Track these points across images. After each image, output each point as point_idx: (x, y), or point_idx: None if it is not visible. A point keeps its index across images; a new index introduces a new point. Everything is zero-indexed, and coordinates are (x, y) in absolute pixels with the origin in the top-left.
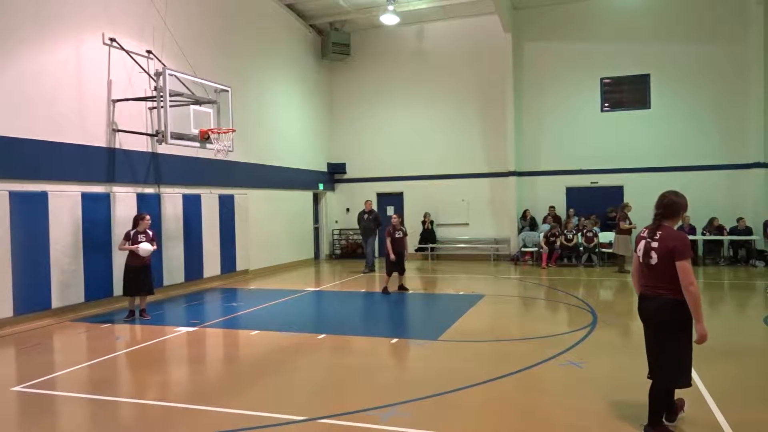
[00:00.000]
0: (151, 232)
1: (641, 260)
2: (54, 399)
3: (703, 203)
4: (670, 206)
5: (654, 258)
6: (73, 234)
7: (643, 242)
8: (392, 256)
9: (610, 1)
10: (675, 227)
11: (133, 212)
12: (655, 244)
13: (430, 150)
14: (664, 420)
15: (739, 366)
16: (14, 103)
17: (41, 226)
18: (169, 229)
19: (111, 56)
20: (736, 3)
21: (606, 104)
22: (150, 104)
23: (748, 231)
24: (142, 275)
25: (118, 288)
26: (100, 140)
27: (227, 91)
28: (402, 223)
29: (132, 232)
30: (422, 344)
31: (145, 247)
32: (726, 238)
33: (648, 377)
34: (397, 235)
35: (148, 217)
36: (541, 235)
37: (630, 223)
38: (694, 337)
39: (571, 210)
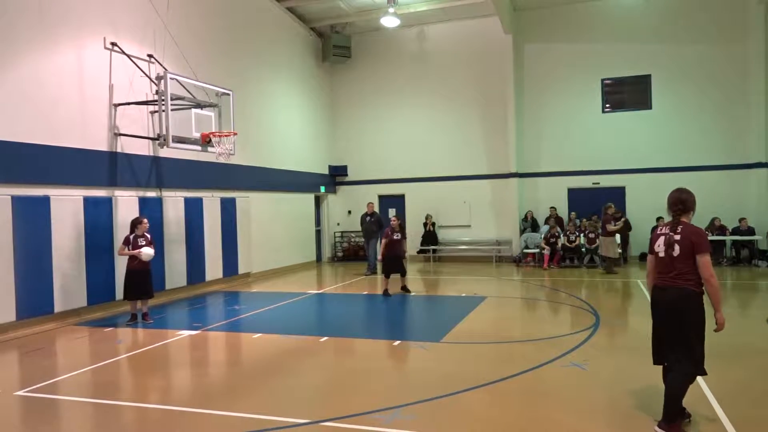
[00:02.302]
0: (149, 236)
1: (663, 253)
2: (57, 403)
3: (704, 203)
4: (684, 201)
5: (677, 250)
6: (75, 238)
7: (663, 237)
8: (379, 257)
9: (610, 1)
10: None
11: (135, 216)
12: (677, 237)
13: (431, 152)
14: None
15: (742, 366)
16: (16, 108)
17: (44, 230)
18: (171, 232)
19: (112, 60)
20: (737, 3)
21: (607, 105)
22: (151, 108)
23: (751, 231)
24: (143, 279)
25: (120, 292)
26: (101, 144)
27: (228, 94)
28: (401, 225)
29: (131, 237)
30: (425, 346)
31: (148, 252)
32: (728, 238)
33: (659, 364)
34: (395, 237)
35: (145, 220)
36: (542, 236)
37: (615, 225)
38: (712, 326)
39: (573, 213)
